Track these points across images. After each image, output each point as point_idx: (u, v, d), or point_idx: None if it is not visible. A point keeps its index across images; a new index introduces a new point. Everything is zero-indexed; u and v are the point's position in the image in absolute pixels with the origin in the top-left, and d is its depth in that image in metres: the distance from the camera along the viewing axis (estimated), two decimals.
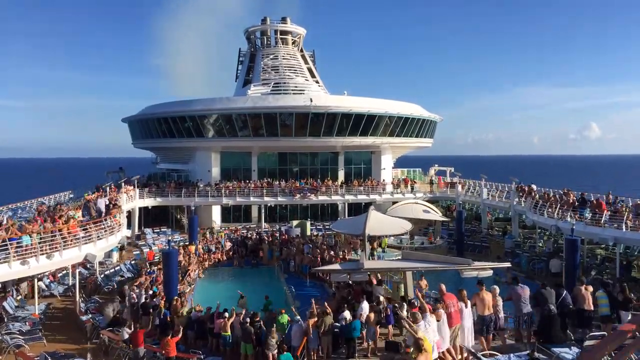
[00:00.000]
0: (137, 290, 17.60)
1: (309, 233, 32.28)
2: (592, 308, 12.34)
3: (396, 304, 15.79)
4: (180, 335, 12.65)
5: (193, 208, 32.33)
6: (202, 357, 13.09)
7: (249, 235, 31.39)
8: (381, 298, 15.23)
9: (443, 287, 11.67)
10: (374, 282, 16.87)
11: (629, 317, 11.02)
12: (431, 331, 9.75)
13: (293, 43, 48.78)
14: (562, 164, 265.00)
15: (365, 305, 14.03)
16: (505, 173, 49.47)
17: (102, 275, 22.67)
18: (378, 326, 13.68)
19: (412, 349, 8.43)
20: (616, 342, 4.98)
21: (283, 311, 14.41)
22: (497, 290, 12.29)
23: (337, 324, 13.49)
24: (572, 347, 10.70)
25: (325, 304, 14.19)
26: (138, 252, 28.71)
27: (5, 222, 18.22)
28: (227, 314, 14.20)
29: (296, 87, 43.50)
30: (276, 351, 12.49)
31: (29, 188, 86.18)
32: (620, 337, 5.12)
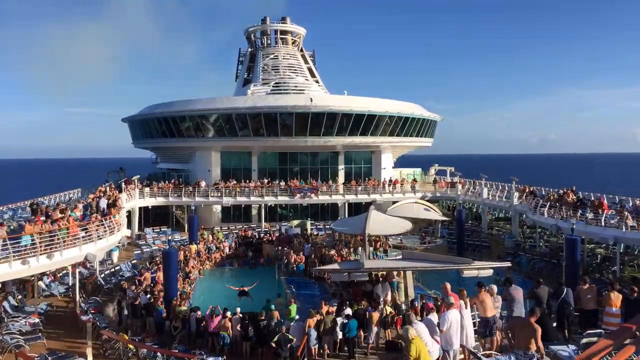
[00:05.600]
0: (135, 289, 17.61)
1: (309, 232, 32.20)
2: (595, 307, 12.24)
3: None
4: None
5: (193, 208, 32.32)
6: (203, 357, 13.09)
7: (249, 235, 31.31)
8: (381, 298, 15.20)
9: (448, 285, 11.60)
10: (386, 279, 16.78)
11: None
12: (423, 331, 9.76)
13: (293, 43, 48.80)
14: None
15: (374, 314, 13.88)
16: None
17: (102, 275, 22.67)
18: (379, 326, 13.65)
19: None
20: (616, 343, 4.95)
21: (292, 301, 14.30)
22: (495, 289, 12.24)
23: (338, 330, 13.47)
24: (569, 345, 10.67)
25: (323, 304, 14.20)
26: (139, 251, 28.68)
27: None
28: (229, 314, 14.21)
29: (296, 86, 43.53)
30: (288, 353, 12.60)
31: (28, 188, 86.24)
32: (619, 338, 5.09)
